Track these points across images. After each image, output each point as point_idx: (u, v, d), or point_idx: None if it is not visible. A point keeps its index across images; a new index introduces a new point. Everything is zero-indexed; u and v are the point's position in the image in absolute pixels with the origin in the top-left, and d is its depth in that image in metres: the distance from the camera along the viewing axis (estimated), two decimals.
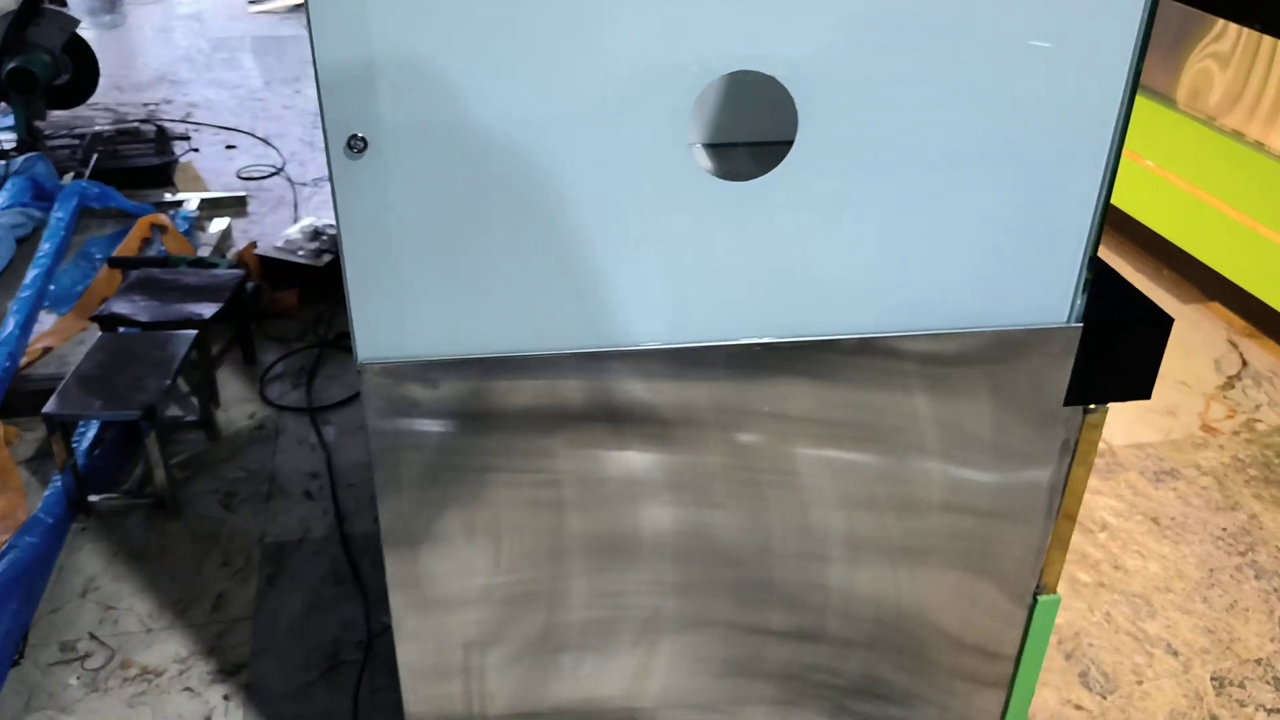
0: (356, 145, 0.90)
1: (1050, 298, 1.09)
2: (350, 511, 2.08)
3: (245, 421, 2.34)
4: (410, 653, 1.18)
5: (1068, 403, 1.15)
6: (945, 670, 1.34)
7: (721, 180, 0.99)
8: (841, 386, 1.10)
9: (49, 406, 1.94)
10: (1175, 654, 1.84)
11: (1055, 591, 1.30)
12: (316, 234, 2.84)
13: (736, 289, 1.04)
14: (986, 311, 1.09)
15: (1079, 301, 1.10)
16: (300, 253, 2.77)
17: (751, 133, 1.34)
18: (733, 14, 0.92)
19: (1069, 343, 1.12)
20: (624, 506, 1.13)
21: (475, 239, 0.97)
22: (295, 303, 2.73)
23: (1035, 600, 1.30)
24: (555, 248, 0.99)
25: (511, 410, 1.05)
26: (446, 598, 1.15)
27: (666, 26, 0.91)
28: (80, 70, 3.45)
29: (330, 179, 0.91)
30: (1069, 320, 1.11)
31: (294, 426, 2.32)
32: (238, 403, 2.40)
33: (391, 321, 0.99)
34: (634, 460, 1.11)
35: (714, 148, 1.37)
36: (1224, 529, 2.14)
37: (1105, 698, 1.75)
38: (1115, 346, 1.13)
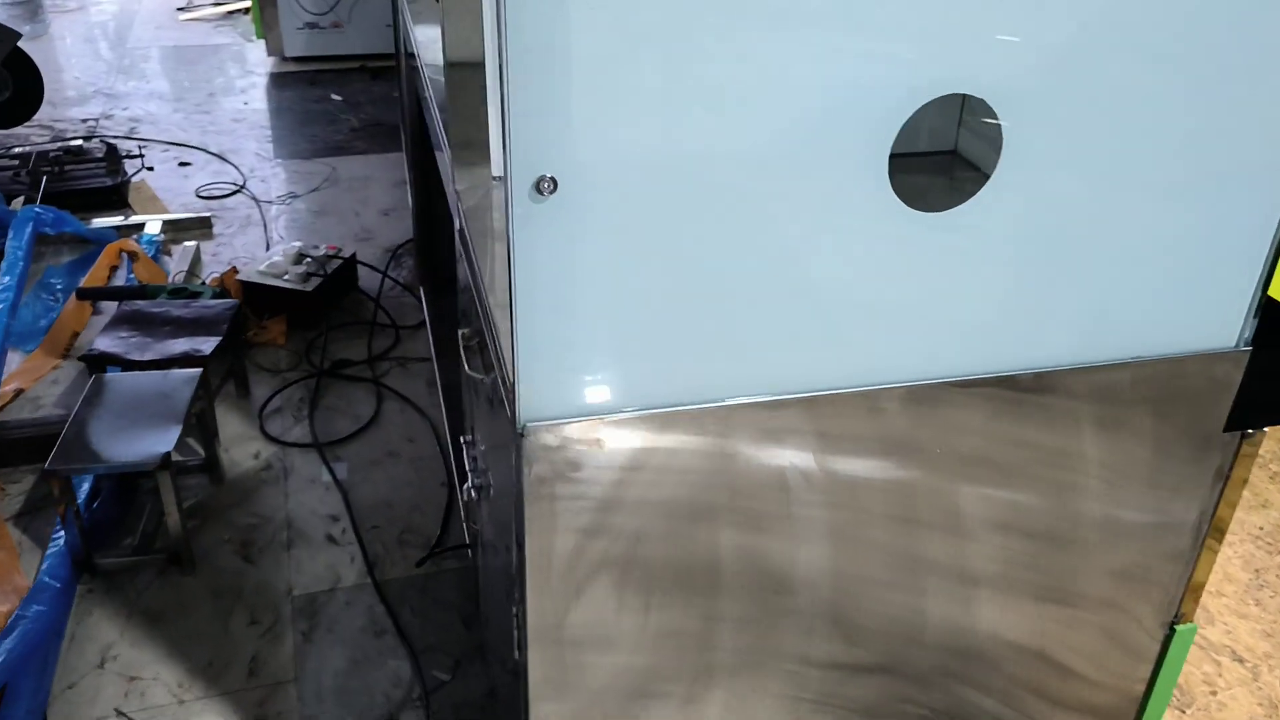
0: (546, 188, 0.80)
1: (1222, 322, 1.05)
2: (379, 556, 1.95)
3: (250, 462, 2.19)
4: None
5: (1228, 429, 1.11)
6: (1068, 706, 1.29)
7: (916, 212, 0.92)
8: (1011, 422, 1.04)
9: (53, 462, 1.77)
10: (1241, 660, 1.83)
11: (1192, 620, 1.27)
12: (301, 257, 2.68)
13: (919, 326, 0.97)
14: (1158, 339, 1.04)
15: (1250, 325, 1.06)
16: (287, 277, 2.61)
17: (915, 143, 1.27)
18: (948, 35, 0.85)
19: (1236, 367, 1.07)
20: (783, 552, 1.06)
21: (660, 284, 0.88)
22: (284, 330, 2.58)
23: (1173, 630, 1.26)
24: (743, 290, 0.90)
25: (677, 466, 0.97)
26: (587, 644, 1.06)
27: (872, 51, 0.84)
28: (22, 86, 3.22)
29: (509, 223, 0.81)
30: (1237, 345, 1.07)
31: (302, 464, 2.18)
32: (239, 441, 2.24)
33: (561, 378, 0.90)
34: (798, 510, 1.03)
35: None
36: (1260, 528, 2.15)
37: (1184, 711, 1.73)
38: None
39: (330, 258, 2.71)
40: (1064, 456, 1.08)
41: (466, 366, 1.19)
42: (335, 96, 4.18)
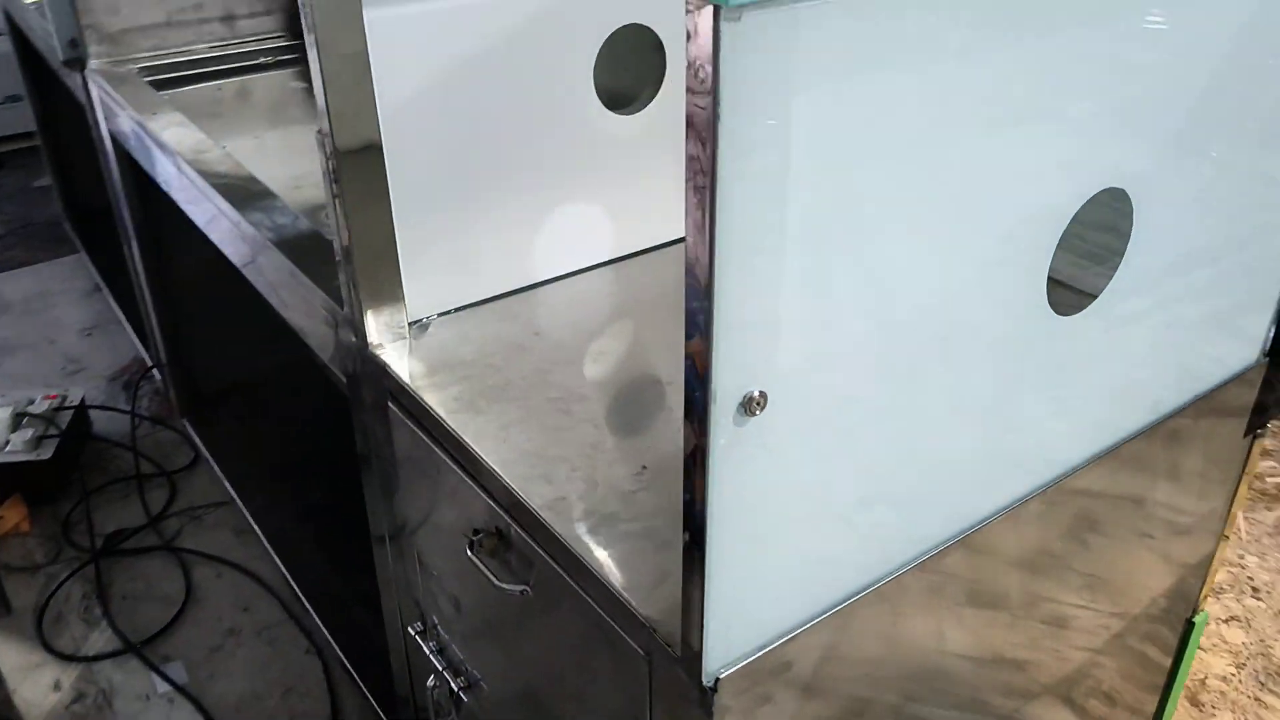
0: (755, 406, 0.63)
1: (1249, 343, 1.07)
2: None
3: (52, 697, 1.74)
4: None
5: (1247, 433, 1.14)
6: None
7: (1062, 315, 0.83)
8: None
9: None
10: None
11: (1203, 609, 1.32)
12: (19, 418, 2.18)
13: (1050, 426, 0.89)
14: (1199, 380, 1.04)
15: (1270, 335, 1.08)
16: (10, 448, 2.11)
17: None
18: (1094, 138, 0.76)
19: (1259, 377, 1.10)
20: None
21: (853, 481, 0.73)
22: (25, 514, 2.09)
23: (1191, 623, 1.30)
24: (940, 456, 0.78)
25: (860, 656, 0.83)
26: None
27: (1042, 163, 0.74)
28: None
29: (702, 447, 0.63)
30: (1259, 357, 1.09)
31: (124, 680, 1.77)
32: (25, 673, 1.78)
33: (750, 610, 0.73)
34: (951, 644, 0.93)
35: None
36: None
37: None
38: None
39: (56, 410, 2.23)
40: (1129, 506, 1.06)
41: (494, 579, 0.97)
42: None
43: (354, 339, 1.15)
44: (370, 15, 0.97)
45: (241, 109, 1.97)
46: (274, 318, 1.41)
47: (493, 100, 1.10)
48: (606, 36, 1.16)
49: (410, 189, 1.08)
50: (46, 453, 2.11)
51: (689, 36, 0.53)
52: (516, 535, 0.94)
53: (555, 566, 0.89)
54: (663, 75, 1.23)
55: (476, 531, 1.00)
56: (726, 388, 0.62)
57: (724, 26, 0.51)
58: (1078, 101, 0.74)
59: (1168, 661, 1.33)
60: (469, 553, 0.99)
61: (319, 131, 1.03)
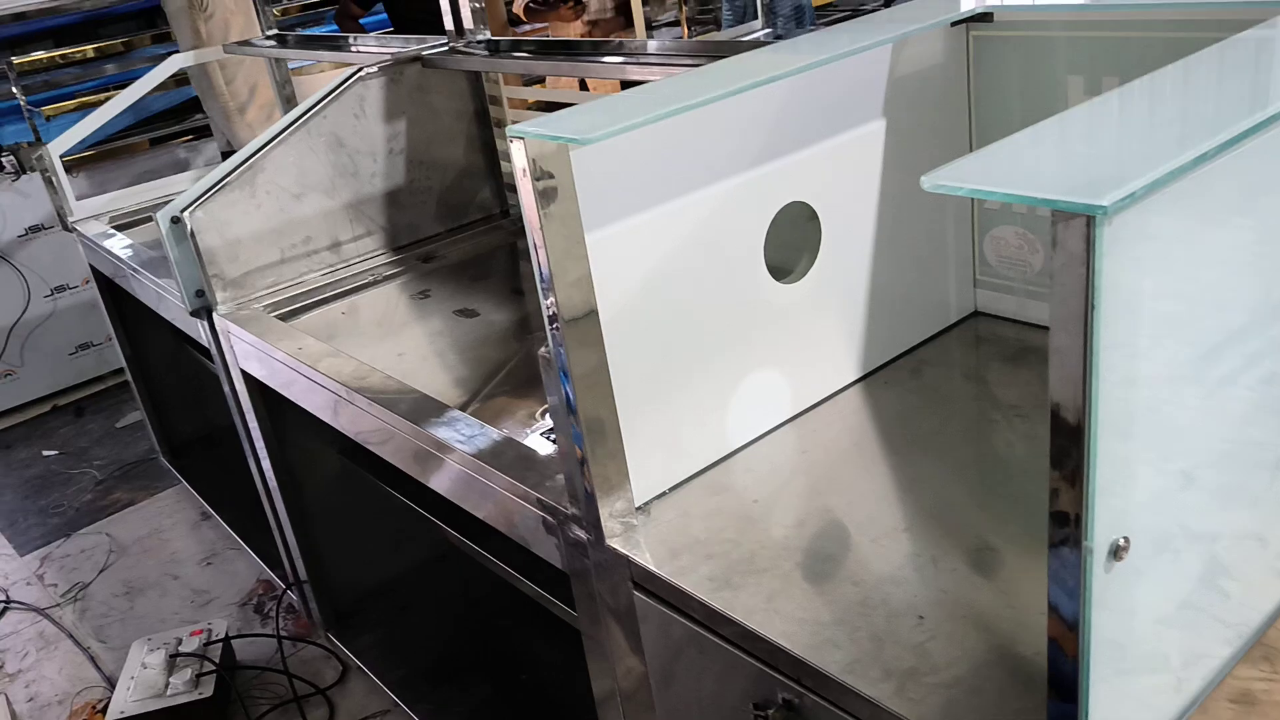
0: (1122, 550, 0.68)
1: None
2: None
3: None
4: None
5: None
6: None
7: None
8: None
9: None
10: None
11: None
12: (172, 659, 2.21)
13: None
14: None
15: None
16: (171, 690, 2.13)
17: None
18: None
19: None
20: None
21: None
22: None
23: None
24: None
25: None
26: None
27: None
28: None
29: (1073, 600, 0.68)
30: None
31: None
32: None
33: None
34: None
35: None
36: None
37: None
38: None
39: (206, 644, 2.26)
40: None
41: None
42: (48, 453, 3.57)
43: (584, 534, 1.20)
44: (591, 238, 1.06)
45: (358, 324, 2.07)
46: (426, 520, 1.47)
47: (685, 287, 1.19)
48: (772, 217, 1.25)
49: (628, 382, 1.15)
50: (208, 689, 2.14)
51: (1055, 242, 0.60)
52: (811, 703, 0.97)
53: None
54: (818, 242, 1.32)
55: (759, 707, 1.03)
56: (1102, 534, 0.67)
57: (1097, 232, 0.58)
58: None
59: None
60: None
61: (542, 353, 1.10)
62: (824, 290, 1.34)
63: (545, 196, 1.01)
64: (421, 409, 1.51)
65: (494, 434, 1.41)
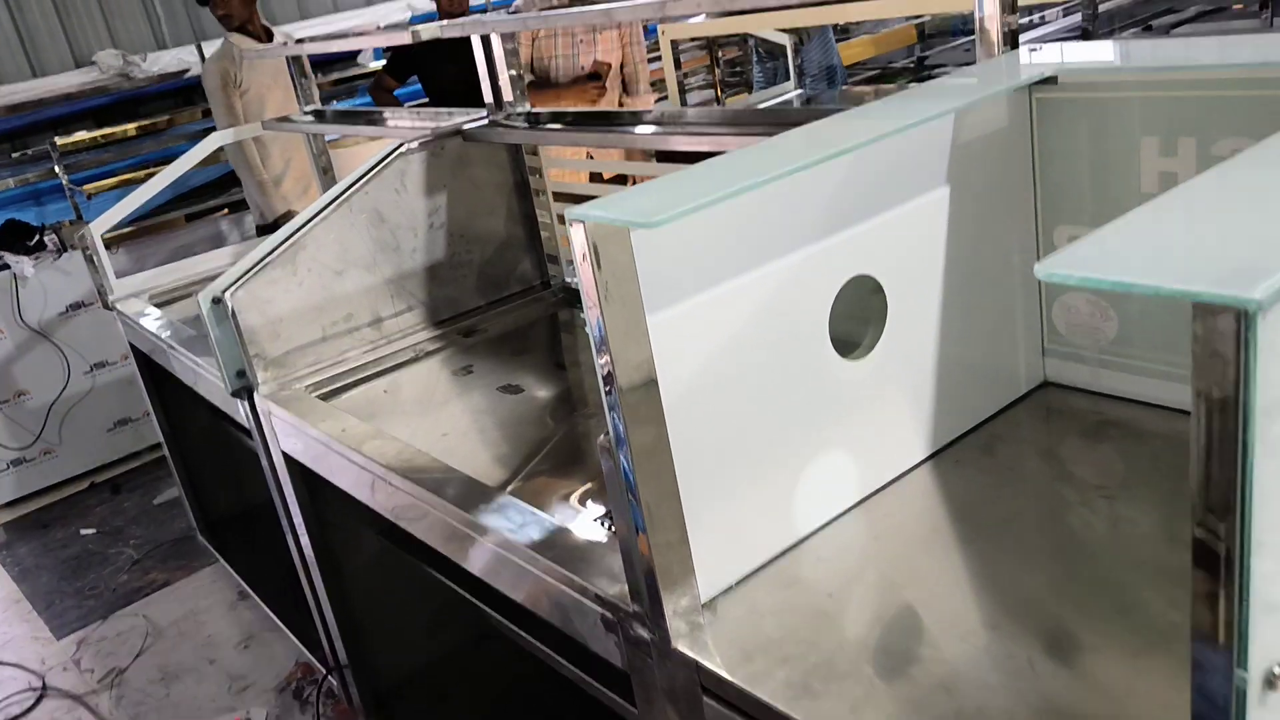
0: (1277, 682, 0.61)
1: None
2: None
3: None
4: None
5: None
6: None
7: None
8: None
9: None
10: None
11: None
12: None
13: None
14: None
15: None
16: None
17: None
18: None
19: None
20: None
21: None
22: None
23: None
24: None
25: None
26: None
27: None
28: None
29: None
30: None
31: None
32: None
33: None
34: None
35: None
36: None
37: None
38: None
39: None
40: None
41: None
42: (85, 531, 3.54)
43: (646, 633, 1.13)
44: (653, 320, 1.01)
45: (400, 403, 2.03)
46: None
47: (749, 366, 1.13)
48: (837, 291, 1.20)
49: (692, 468, 1.09)
50: None
51: (1197, 338, 0.54)
52: None
53: None
54: (884, 315, 1.26)
55: None
56: (1254, 666, 0.60)
57: (1251, 328, 0.52)
58: None
59: None
60: None
61: (601, 442, 1.05)
62: (891, 365, 1.27)
63: (606, 280, 0.96)
64: (468, 494, 1.45)
65: (546, 521, 1.35)
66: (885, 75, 5.70)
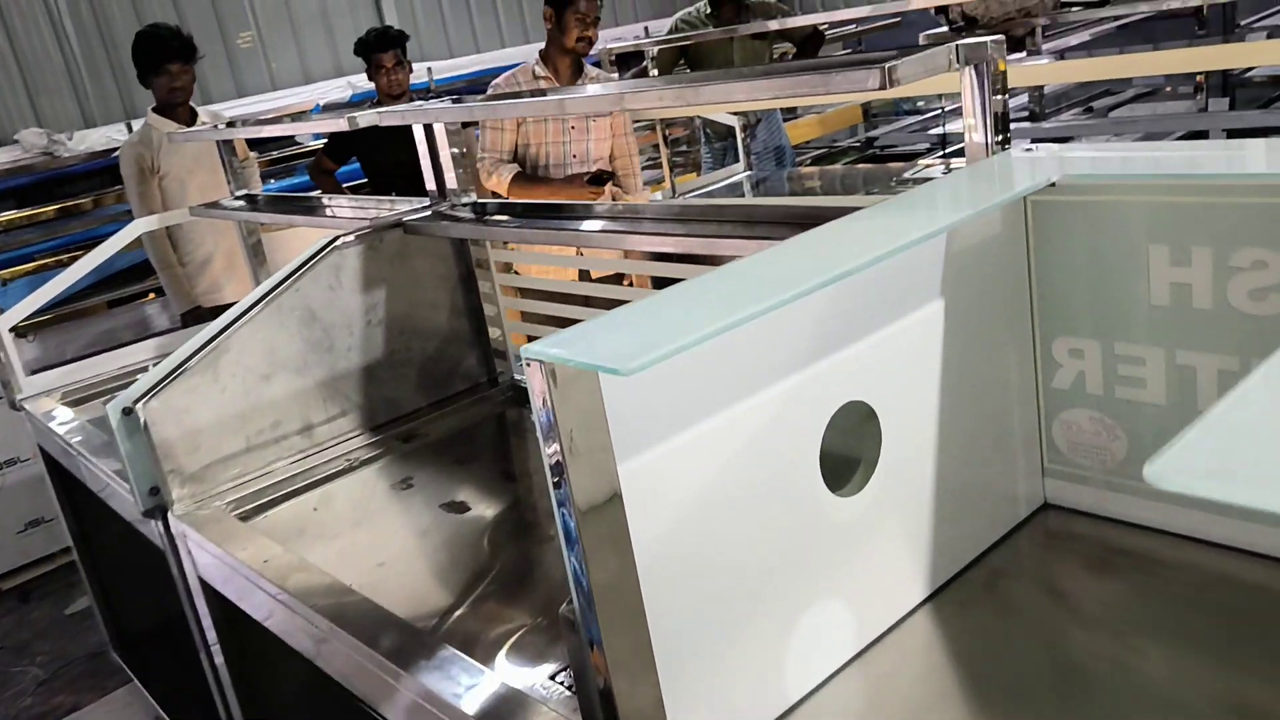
0: None
1: None
2: None
3: None
4: None
5: None
6: None
7: None
8: None
9: None
10: None
11: None
12: None
13: None
14: None
15: None
16: None
17: None
18: None
19: None
20: None
21: None
22: None
23: None
24: None
25: None
26: None
27: None
28: None
29: None
30: None
31: None
32: None
33: None
34: None
35: None
36: None
37: None
38: None
39: None
40: None
41: None
42: None
43: None
44: (625, 469, 0.86)
45: (332, 521, 1.84)
46: None
47: (732, 512, 0.98)
48: (828, 420, 1.06)
49: (670, 638, 0.93)
50: None
51: None
52: None
53: None
54: (878, 444, 1.12)
55: None
56: None
57: None
58: None
59: None
60: None
61: (564, 612, 0.89)
62: (887, 498, 1.14)
63: (569, 428, 0.81)
64: (405, 646, 1.27)
65: (495, 683, 1.17)
66: (832, 154, 5.69)
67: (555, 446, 0.82)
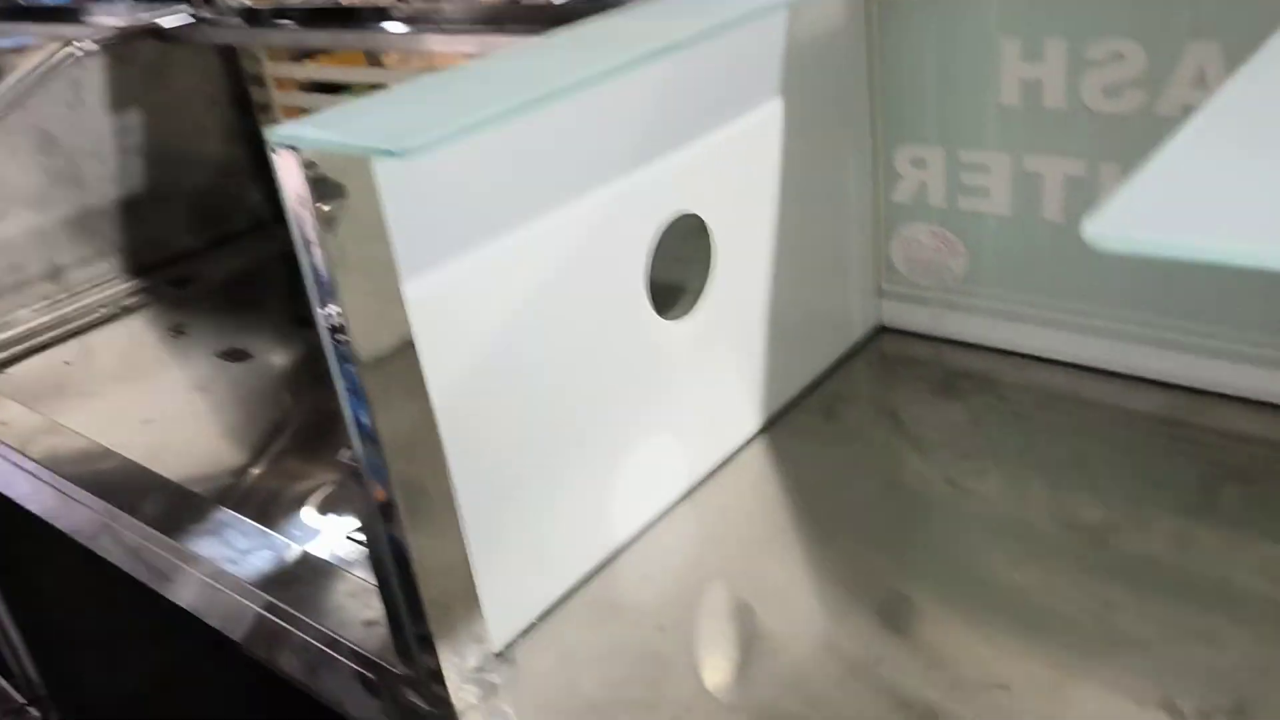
0: None
1: None
2: None
3: None
4: None
5: None
6: None
7: None
8: None
9: None
10: None
11: None
12: None
13: None
14: None
15: None
16: None
17: None
18: None
19: None
20: None
21: None
22: None
23: None
24: None
25: None
26: None
27: None
28: None
29: None
30: None
31: None
32: None
33: None
34: None
35: None
36: None
37: None
38: None
39: None
40: None
41: None
42: None
43: (424, 704, 0.84)
44: (412, 289, 0.70)
45: (91, 377, 1.61)
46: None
47: (546, 340, 0.85)
48: (655, 235, 0.92)
49: (475, 478, 0.79)
50: None
51: None
52: None
53: None
54: (709, 263, 1.00)
55: None
56: None
57: None
58: None
59: None
60: None
61: (347, 458, 0.74)
62: (719, 322, 1.02)
63: (337, 235, 0.64)
64: (173, 510, 1.10)
65: (278, 543, 1.02)
66: None
67: (322, 262, 0.65)
